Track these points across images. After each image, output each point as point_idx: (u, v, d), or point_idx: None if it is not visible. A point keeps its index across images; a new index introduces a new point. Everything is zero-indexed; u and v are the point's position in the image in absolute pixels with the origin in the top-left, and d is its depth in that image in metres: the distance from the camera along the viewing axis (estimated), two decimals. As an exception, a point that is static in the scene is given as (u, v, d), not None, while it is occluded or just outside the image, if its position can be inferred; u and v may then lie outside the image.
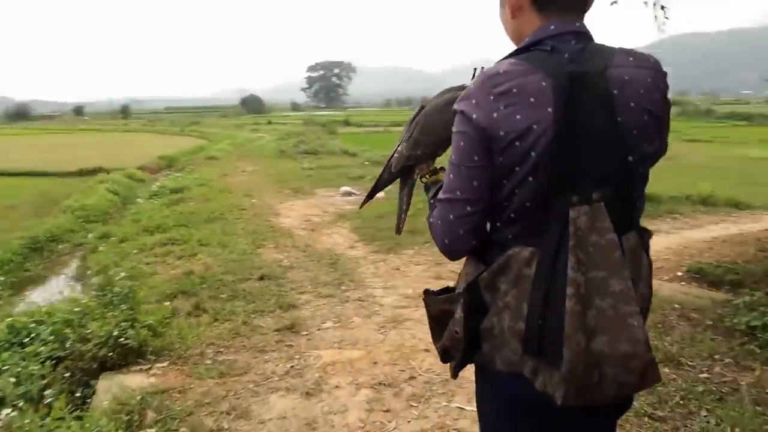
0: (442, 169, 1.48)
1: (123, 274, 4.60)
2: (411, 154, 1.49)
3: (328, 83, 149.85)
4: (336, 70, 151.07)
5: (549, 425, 1.21)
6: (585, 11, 1.23)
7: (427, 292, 1.34)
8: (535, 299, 1.11)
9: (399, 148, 1.53)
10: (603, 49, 1.17)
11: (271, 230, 7.55)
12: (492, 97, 1.12)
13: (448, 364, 1.32)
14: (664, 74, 1.19)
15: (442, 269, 5.55)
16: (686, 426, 2.64)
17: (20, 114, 75.12)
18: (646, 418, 2.71)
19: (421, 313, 4.42)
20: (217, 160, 18.49)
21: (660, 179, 7.19)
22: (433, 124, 1.45)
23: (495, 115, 1.11)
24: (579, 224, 1.08)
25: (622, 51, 1.17)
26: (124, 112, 74.85)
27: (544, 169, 1.09)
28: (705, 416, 2.70)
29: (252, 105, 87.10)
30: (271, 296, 4.80)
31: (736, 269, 5.24)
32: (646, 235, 1.22)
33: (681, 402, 2.83)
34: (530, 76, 1.11)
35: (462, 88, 1.42)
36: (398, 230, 1.62)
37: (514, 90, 1.11)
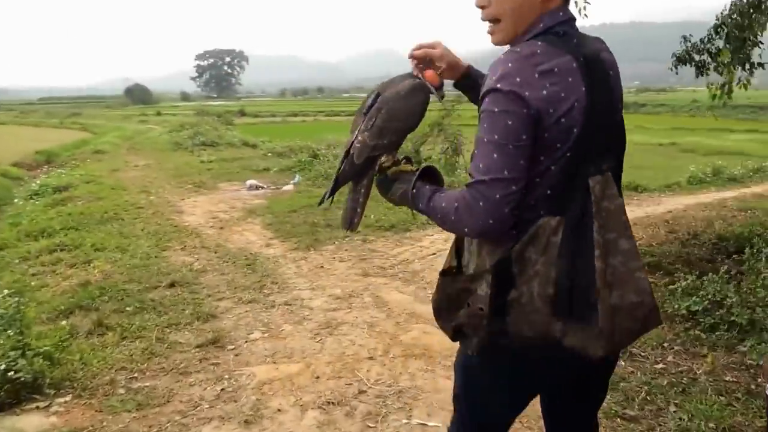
0: (404, 159, 1.44)
1: (6, 291, 3.91)
2: (377, 143, 1.38)
3: (219, 72, 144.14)
4: (227, 59, 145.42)
5: (563, 380, 1.36)
6: None
7: (444, 272, 1.39)
8: (562, 264, 1.17)
9: (359, 138, 1.39)
10: (586, 35, 1.29)
11: (175, 230, 6.91)
12: (537, 75, 1.15)
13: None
14: None
15: (367, 265, 5.27)
16: (660, 425, 2.53)
17: None
18: (618, 419, 2.59)
19: (355, 315, 4.13)
20: (105, 154, 17.00)
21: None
22: (398, 111, 1.38)
23: (544, 92, 1.15)
24: (596, 192, 1.18)
25: (594, 37, 1.31)
26: (-9, 103, 67.82)
27: (579, 144, 1.17)
28: (675, 412, 2.61)
29: (138, 95, 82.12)
30: (185, 306, 4.29)
31: (652, 252, 5.38)
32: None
33: (647, 398, 2.73)
34: (561, 57, 1.18)
35: (410, 75, 1.44)
36: (353, 226, 1.44)
37: (556, 69, 1.16)
